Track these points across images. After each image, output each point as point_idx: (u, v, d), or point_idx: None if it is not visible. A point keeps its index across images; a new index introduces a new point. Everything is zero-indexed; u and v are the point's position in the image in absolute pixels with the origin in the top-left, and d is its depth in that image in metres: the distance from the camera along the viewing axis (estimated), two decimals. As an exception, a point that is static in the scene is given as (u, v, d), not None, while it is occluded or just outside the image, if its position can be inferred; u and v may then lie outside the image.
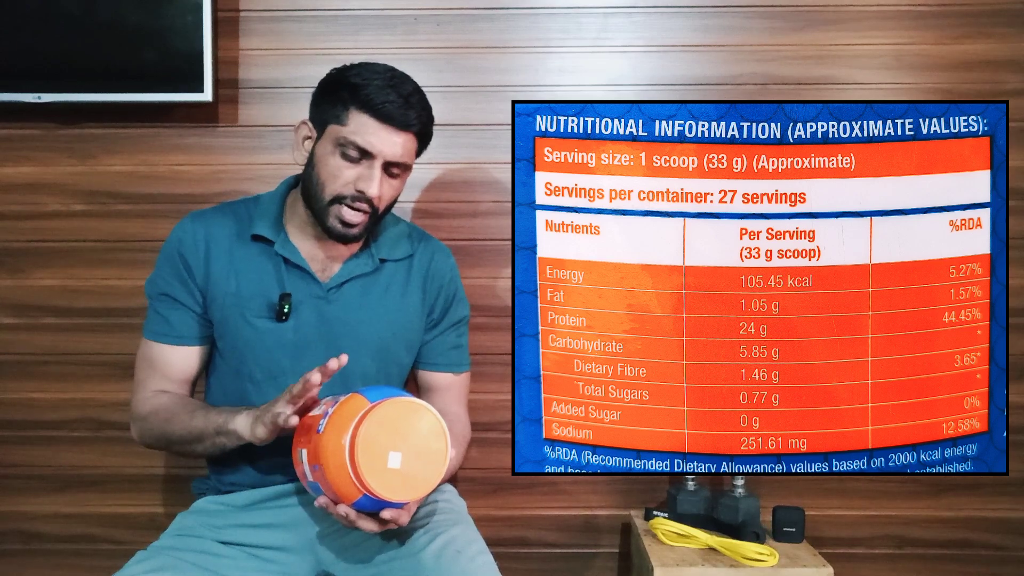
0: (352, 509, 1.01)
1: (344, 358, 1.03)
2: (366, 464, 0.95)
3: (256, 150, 1.67)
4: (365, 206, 1.16)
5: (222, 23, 1.65)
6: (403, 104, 1.13)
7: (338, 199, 1.15)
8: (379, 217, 1.20)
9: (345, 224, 1.16)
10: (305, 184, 1.20)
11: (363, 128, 1.13)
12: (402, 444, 0.97)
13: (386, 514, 1.01)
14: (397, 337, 1.27)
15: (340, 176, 1.15)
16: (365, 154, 1.14)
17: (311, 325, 1.22)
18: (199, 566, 1.10)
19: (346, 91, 1.13)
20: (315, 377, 1.01)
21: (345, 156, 1.14)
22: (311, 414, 1.07)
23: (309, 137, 1.19)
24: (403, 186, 1.22)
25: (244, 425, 1.09)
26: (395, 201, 1.23)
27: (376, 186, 1.14)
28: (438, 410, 1.31)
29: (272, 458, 1.20)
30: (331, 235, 1.18)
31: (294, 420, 1.02)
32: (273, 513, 1.22)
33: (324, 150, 1.16)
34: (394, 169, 1.17)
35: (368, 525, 1.02)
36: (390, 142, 1.14)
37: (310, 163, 1.18)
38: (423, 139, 1.20)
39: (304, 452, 1.04)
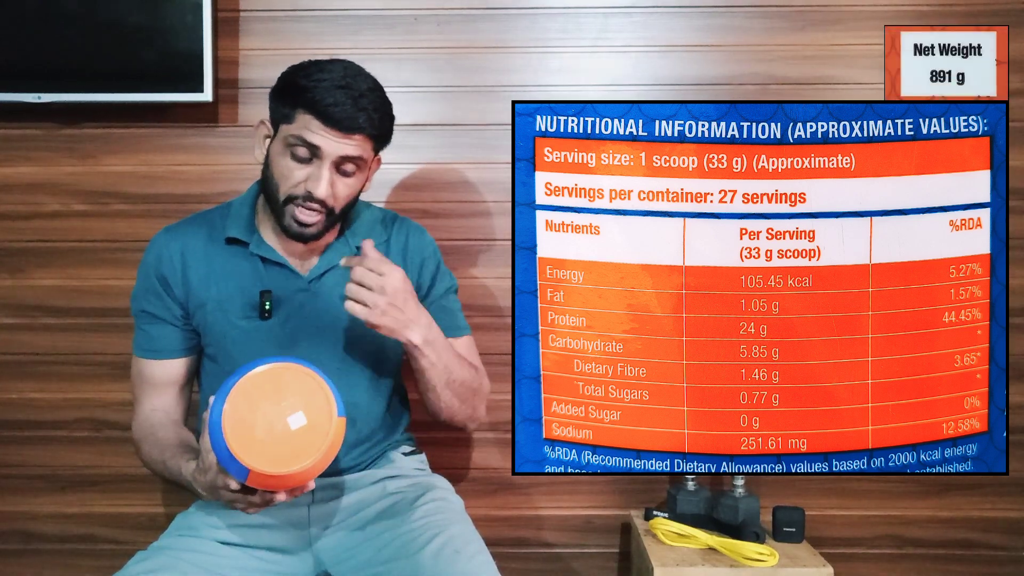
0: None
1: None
2: (291, 452, 0.92)
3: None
4: (316, 206, 1.14)
5: (222, 23, 1.65)
6: (352, 107, 1.10)
7: (290, 199, 1.15)
8: (338, 215, 1.19)
9: (300, 224, 1.15)
10: (263, 184, 1.20)
11: (309, 130, 1.11)
12: (277, 407, 0.93)
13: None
14: None
15: (290, 176, 1.14)
16: (314, 153, 1.13)
17: (297, 319, 1.22)
18: (199, 566, 1.10)
19: (295, 92, 1.12)
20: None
21: (294, 157, 1.13)
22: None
23: (268, 136, 1.19)
24: (362, 183, 1.20)
25: (203, 494, 1.06)
26: (357, 197, 1.21)
27: (324, 187, 1.13)
28: None
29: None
30: (288, 235, 1.18)
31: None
32: (272, 515, 1.21)
33: (276, 150, 1.15)
34: (346, 167, 1.15)
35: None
36: (337, 145, 1.12)
37: (266, 162, 1.18)
38: (379, 139, 1.18)
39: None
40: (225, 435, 0.92)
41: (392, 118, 1.18)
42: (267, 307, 1.20)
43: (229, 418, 0.92)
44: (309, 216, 1.15)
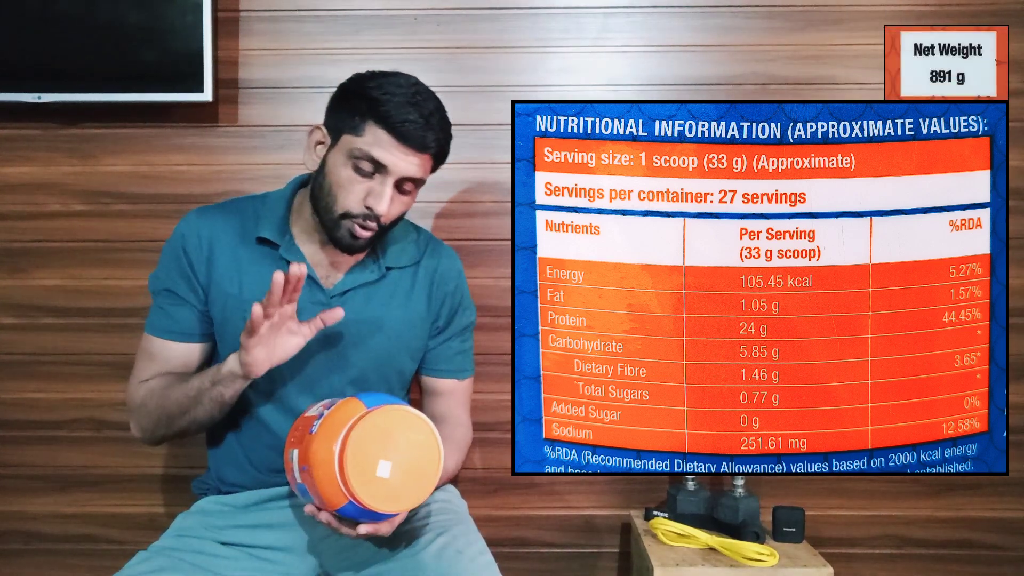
0: (333, 517, 1.00)
1: (339, 311, 1.07)
2: (354, 470, 0.94)
3: (256, 150, 1.67)
4: (374, 224, 1.13)
5: (222, 23, 1.65)
6: (423, 125, 1.10)
7: (348, 215, 1.13)
8: (389, 228, 1.18)
9: (354, 237, 1.14)
10: (315, 191, 1.17)
11: (379, 144, 1.09)
12: (393, 454, 0.96)
13: (363, 529, 1.00)
14: (400, 345, 1.26)
15: (351, 190, 1.12)
16: (379, 169, 1.11)
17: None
18: (199, 567, 1.10)
19: (365, 103, 1.10)
20: (279, 277, 1.02)
21: (358, 169, 1.11)
22: (306, 415, 1.06)
23: (322, 143, 1.16)
24: (413, 201, 1.19)
25: (235, 362, 1.08)
26: (404, 214, 1.20)
27: (386, 204, 1.11)
28: (441, 413, 1.31)
29: (273, 459, 1.20)
30: (338, 246, 1.16)
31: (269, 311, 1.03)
32: (274, 514, 1.21)
33: (336, 160, 1.13)
34: (406, 186, 1.14)
35: (347, 531, 1.01)
36: (405, 162, 1.11)
37: (321, 170, 1.15)
38: (439, 158, 1.17)
39: (295, 452, 1.03)
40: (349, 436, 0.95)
41: (451, 138, 1.17)
42: None
43: (373, 414, 0.97)
44: (365, 233, 1.14)
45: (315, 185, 1.17)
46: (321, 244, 1.21)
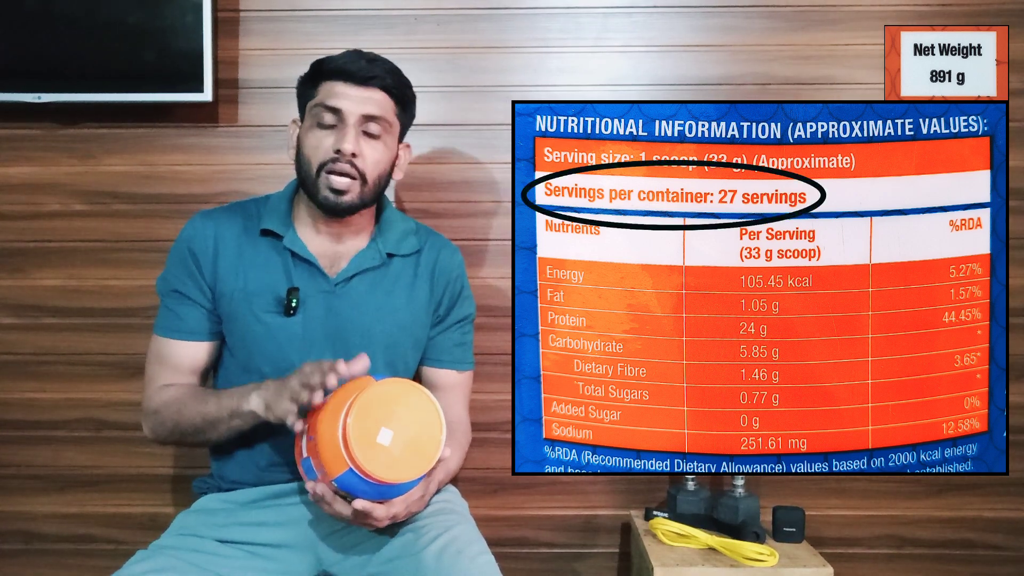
0: (328, 488, 1.01)
1: (362, 362, 1.05)
2: (356, 433, 0.96)
3: (256, 150, 1.67)
4: (347, 167, 1.17)
5: (222, 23, 1.65)
6: (368, 63, 1.18)
7: (322, 167, 1.18)
8: (371, 189, 1.21)
9: (335, 192, 1.18)
10: (297, 171, 1.23)
11: (331, 92, 1.18)
12: (395, 423, 0.98)
13: (358, 504, 1.01)
14: (404, 333, 1.27)
15: (320, 145, 1.18)
16: (336, 115, 1.17)
17: (319, 320, 1.22)
18: (199, 566, 1.10)
19: (316, 69, 1.21)
20: (331, 380, 1.01)
21: (320, 125, 1.18)
22: None
23: (299, 127, 1.24)
24: (391, 153, 1.23)
25: (259, 405, 1.11)
26: (390, 175, 1.24)
27: (351, 142, 1.16)
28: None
29: (274, 457, 1.21)
30: (325, 208, 1.20)
31: (318, 398, 1.02)
32: (275, 511, 1.22)
33: (304, 128, 1.21)
34: (371, 126, 1.19)
35: (341, 509, 1.02)
36: (357, 99, 1.17)
37: (298, 147, 1.22)
38: (401, 101, 1.23)
39: (305, 425, 1.05)
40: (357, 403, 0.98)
41: (409, 85, 1.24)
42: (293, 304, 1.20)
43: (380, 384, 1.00)
44: (342, 181, 1.17)
45: (297, 166, 1.23)
46: (324, 234, 1.25)
